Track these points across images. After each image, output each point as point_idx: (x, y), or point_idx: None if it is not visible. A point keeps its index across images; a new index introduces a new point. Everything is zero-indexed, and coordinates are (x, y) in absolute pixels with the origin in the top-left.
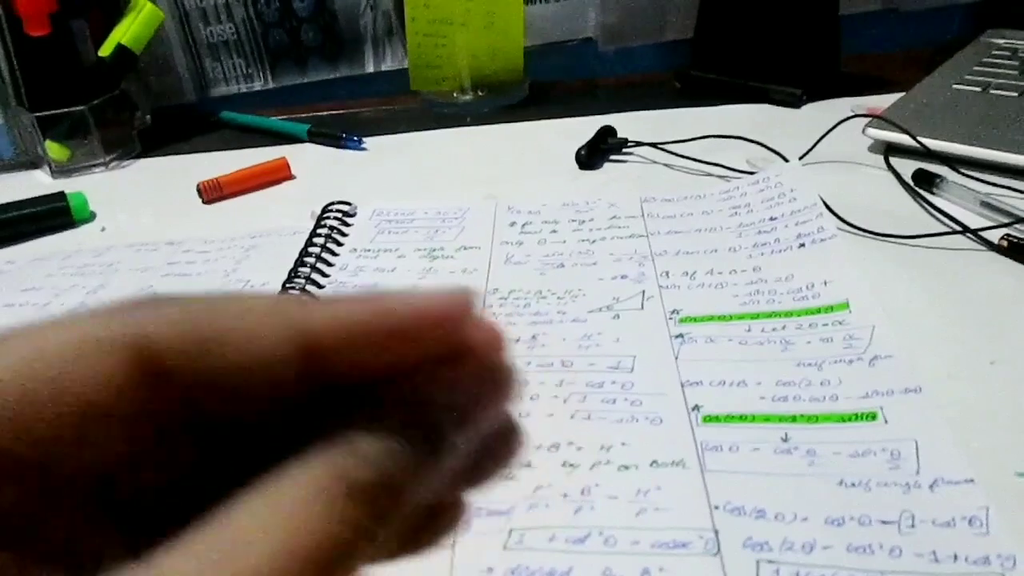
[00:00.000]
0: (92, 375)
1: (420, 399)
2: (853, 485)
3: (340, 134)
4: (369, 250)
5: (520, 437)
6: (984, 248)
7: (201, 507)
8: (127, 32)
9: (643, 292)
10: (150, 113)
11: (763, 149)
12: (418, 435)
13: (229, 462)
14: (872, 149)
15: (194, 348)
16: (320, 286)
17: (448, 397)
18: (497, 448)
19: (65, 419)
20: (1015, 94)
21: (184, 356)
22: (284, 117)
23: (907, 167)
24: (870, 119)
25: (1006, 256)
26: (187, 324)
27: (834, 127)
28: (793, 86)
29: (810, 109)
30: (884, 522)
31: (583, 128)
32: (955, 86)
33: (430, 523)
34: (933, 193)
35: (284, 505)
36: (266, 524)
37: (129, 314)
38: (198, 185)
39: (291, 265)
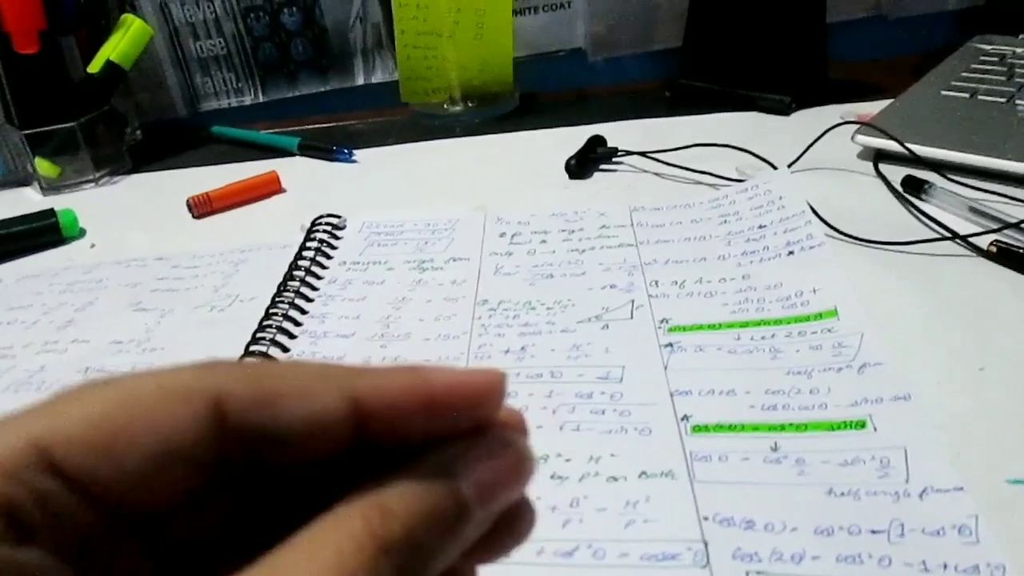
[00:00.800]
0: (176, 419)
1: (449, 469)
2: (842, 494)
3: (330, 147)
4: (358, 263)
5: (532, 518)
6: (973, 254)
7: (239, 550)
8: (116, 48)
9: (632, 302)
10: (140, 129)
11: (752, 157)
12: (445, 501)
13: (270, 509)
14: (861, 156)
15: (258, 403)
16: (309, 299)
17: (474, 470)
18: (510, 525)
19: (150, 455)
20: (1003, 100)
21: (250, 409)
22: (274, 131)
23: (896, 173)
24: (859, 126)
25: (995, 262)
26: (253, 382)
27: (823, 134)
28: (782, 94)
29: (799, 116)
30: (874, 531)
31: (573, 138)
32: (943, 92)
33: None
34: (922, 199)
35: (324, 558)
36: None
37: (206, 370)
38: (188, 200)
39: (280, 279)
